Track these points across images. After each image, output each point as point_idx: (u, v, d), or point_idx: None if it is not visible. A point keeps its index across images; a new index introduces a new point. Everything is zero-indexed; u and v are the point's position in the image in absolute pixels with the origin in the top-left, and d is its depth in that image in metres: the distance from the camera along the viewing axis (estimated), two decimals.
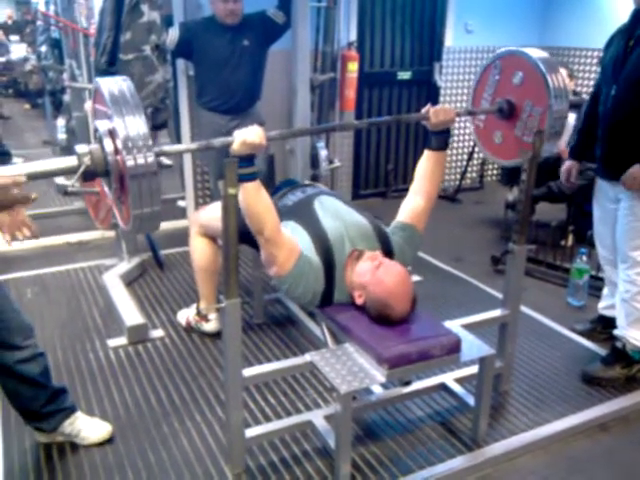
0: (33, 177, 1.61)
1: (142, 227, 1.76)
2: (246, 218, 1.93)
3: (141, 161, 1.58)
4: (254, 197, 1.89)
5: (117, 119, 1.59)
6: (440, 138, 2.21)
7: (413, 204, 2.23)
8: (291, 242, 2.02)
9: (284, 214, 2.19)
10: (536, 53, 2.20)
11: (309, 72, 3.80)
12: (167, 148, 1.86)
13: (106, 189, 1.83)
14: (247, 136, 1.79)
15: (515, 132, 2.29)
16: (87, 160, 1.60)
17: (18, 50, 5.79)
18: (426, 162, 2.24)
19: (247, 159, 1.83)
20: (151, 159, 1.59)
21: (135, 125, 1.60)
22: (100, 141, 1.64)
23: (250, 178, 1.86)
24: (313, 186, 2.51)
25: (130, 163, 1.57)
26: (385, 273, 1.98)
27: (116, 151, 1.62)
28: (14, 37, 6.27)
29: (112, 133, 1.62)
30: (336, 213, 2.18)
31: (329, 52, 4.32)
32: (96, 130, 1.69)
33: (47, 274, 3.55)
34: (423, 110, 2.16)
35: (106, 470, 2.03)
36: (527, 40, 5.43)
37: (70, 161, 1.62)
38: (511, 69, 2.27)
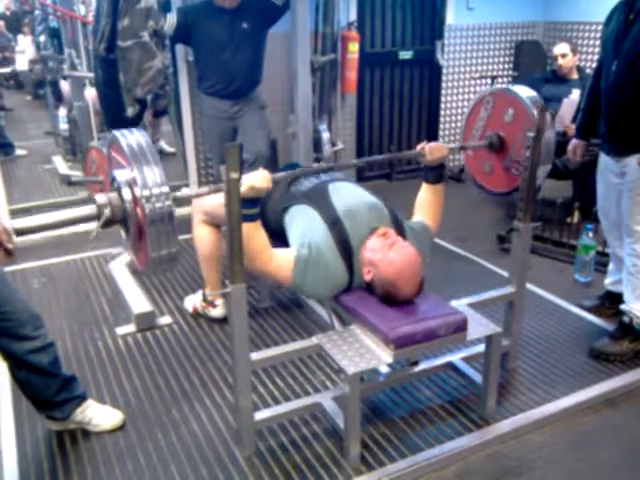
0: (55, 227, 1.87)
1: (159, 268, 1.87)
2: None
3: (159, 208, 1.69)
4: (251, 235, 1.94)
5: (136, 171, 1.70)
6: (436, 173, 2.31)
7: (421, 221, 2.31)
8: (281, 261, 2.05)
9: (298, 198, 2.21)
10: (525, 92, 2.31)
11: (309, 54, 3.78)
12: (180, 194, 1.90)
13: (122, 234, 1.92)
14: (255, 182, 1.85)
15: (504, 163, 2.40)
16: (107, 212, 1.73)
17: (21, 60, 5.65)
18: (425, 194, 2.35)
19: (252, 201, 1.89)
20: (168, 206, 1.71)
21: (152, 174, 1.71)
22: (119, 191, 1.75)
23: (252, 219, 1.92)
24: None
25: (149, 210, 1.67)
26: (397, 253, 1.97)
27: (134, 200, 1.72)
28: (22, 49, 6.12)
29: (130, 183, 1.72)
30: (351, 196, 2.19)
31: (329, 33, 4.28)
32: (114, 179, 1.79)
33: (54, 264, 3.57)
34: (418, 147, 2.27)
35: (118, 455, 2.05)
36: (529, 16, 5.37)
37: (90, 210, 1.76)
38: (503, 105, 2.36)
